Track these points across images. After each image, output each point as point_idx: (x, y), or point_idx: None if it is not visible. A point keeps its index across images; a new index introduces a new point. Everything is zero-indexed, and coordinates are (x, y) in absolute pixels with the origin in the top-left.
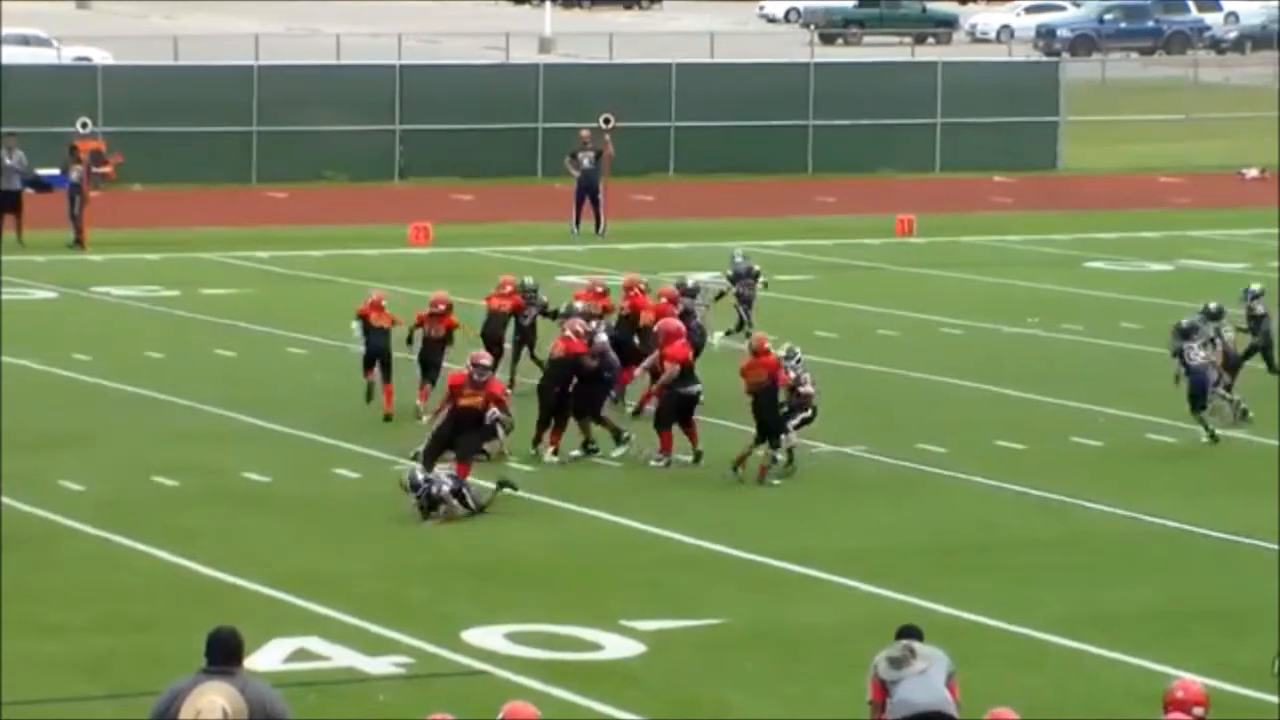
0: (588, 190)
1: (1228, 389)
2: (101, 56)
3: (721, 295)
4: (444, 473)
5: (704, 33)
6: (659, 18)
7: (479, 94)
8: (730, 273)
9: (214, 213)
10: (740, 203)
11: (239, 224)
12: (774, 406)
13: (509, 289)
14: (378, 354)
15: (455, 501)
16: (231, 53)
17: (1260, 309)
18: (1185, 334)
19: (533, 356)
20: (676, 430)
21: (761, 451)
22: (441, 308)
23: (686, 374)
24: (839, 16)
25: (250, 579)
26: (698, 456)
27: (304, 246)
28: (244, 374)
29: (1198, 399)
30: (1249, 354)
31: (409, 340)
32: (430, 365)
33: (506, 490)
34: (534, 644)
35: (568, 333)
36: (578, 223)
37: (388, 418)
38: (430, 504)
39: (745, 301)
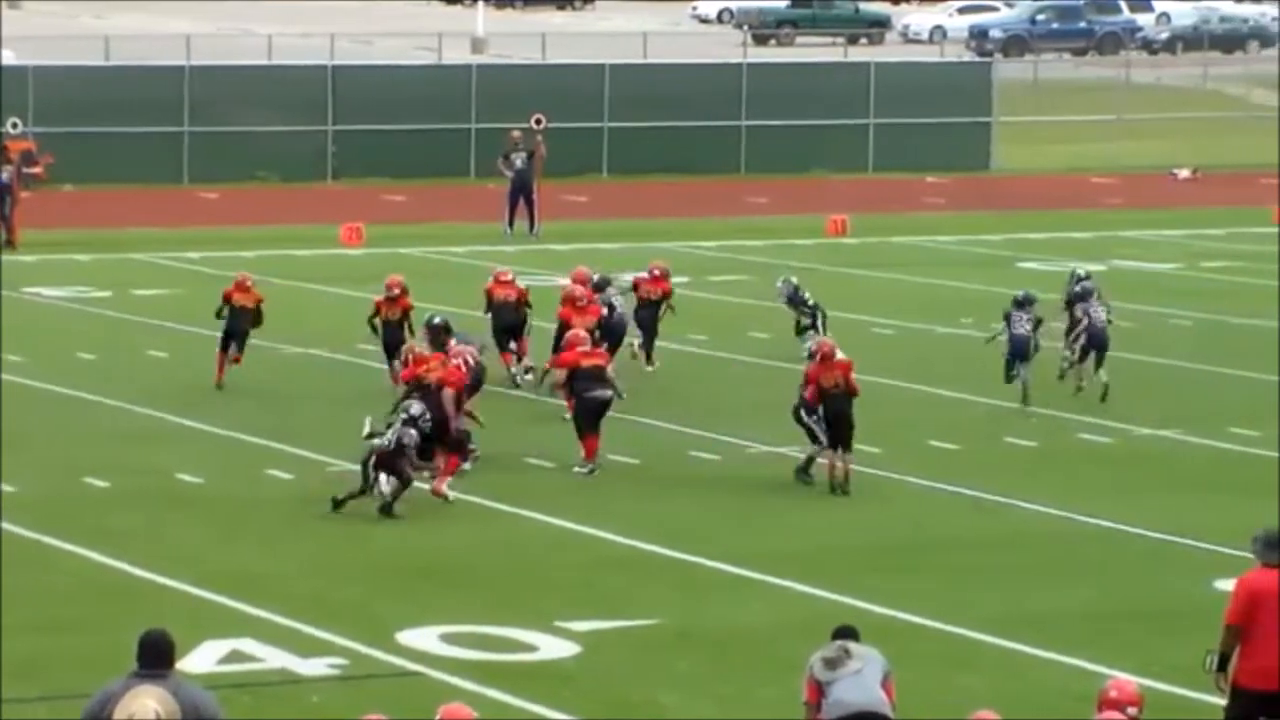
0: (521, 191)
1: (1098, 366)
2: (8, 57)
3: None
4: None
5: (637, 33)
6: (592, 18)
7: (411, 94)
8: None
9: (145, 213)
10: (673, 203)
11: (170, 225)
12: (849, 413)
13: (508, 277)
14: (235, 334)
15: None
16: (163, 53)
17: (1095, 314)
18: (1020, 304)
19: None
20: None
21: (832, 458)
22: (396, 291)
23: (592, 378)
24: (772, 17)
25: (182, 580)
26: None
27: (236, 247)
28: (176, 375)
29: (1012, 364)
30: (1067, 333)
31: (372, 329)
32: (393, 347)
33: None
34: (468, 645)
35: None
36: (511, 223)
37: (218, 386)
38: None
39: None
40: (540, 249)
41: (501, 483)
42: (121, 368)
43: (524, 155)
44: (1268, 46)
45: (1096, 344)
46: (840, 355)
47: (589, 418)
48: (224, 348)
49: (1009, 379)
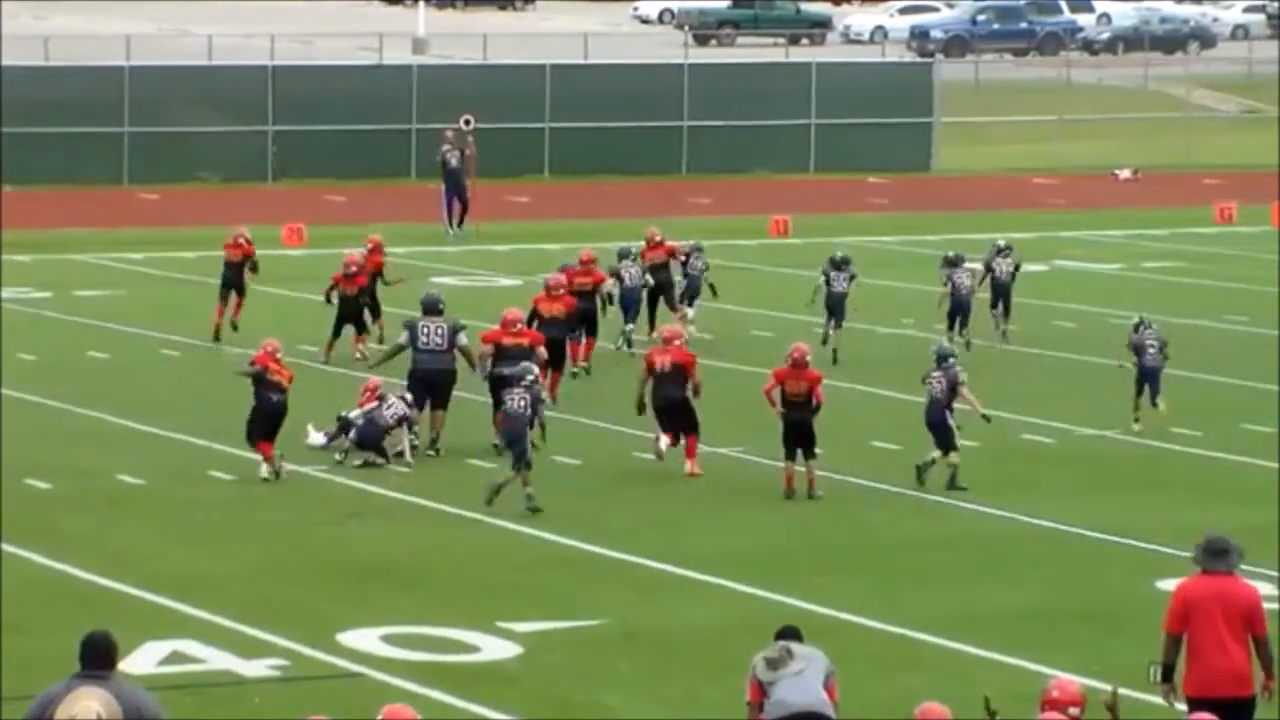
0: (455, 190)
1: (1005, 314)
2: None
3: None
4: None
5: (578, 34)
6: (533, 18)
7: (352, 95)
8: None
9: (86, 214)
10: (615, 204)
11: (111, 225)
12: (809, 421)
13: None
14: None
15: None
16: (103, 53)
17: (999, 266)
18: (952, 263)
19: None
20: None
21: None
22: (354, 270)
23: (512, 357)
24: (713, 17)
25: (124, 582)
26: (497, 448)
27: (177, 248)
28: (117, 376)
29: (955, 315)
30: (994, 302)
31: (326, 299)
32: (353, 318)
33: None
34: (410, 646)
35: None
36: (450, 222)
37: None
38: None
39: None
40: (481, 249)
41: (443, 483)
42: (63, 369)
43: (457, 154)
44: (1208, 47)
45: (960, 310)
46: (811, 365)
47: (494, 393)
48: (223, 299)
49: (954, 327)
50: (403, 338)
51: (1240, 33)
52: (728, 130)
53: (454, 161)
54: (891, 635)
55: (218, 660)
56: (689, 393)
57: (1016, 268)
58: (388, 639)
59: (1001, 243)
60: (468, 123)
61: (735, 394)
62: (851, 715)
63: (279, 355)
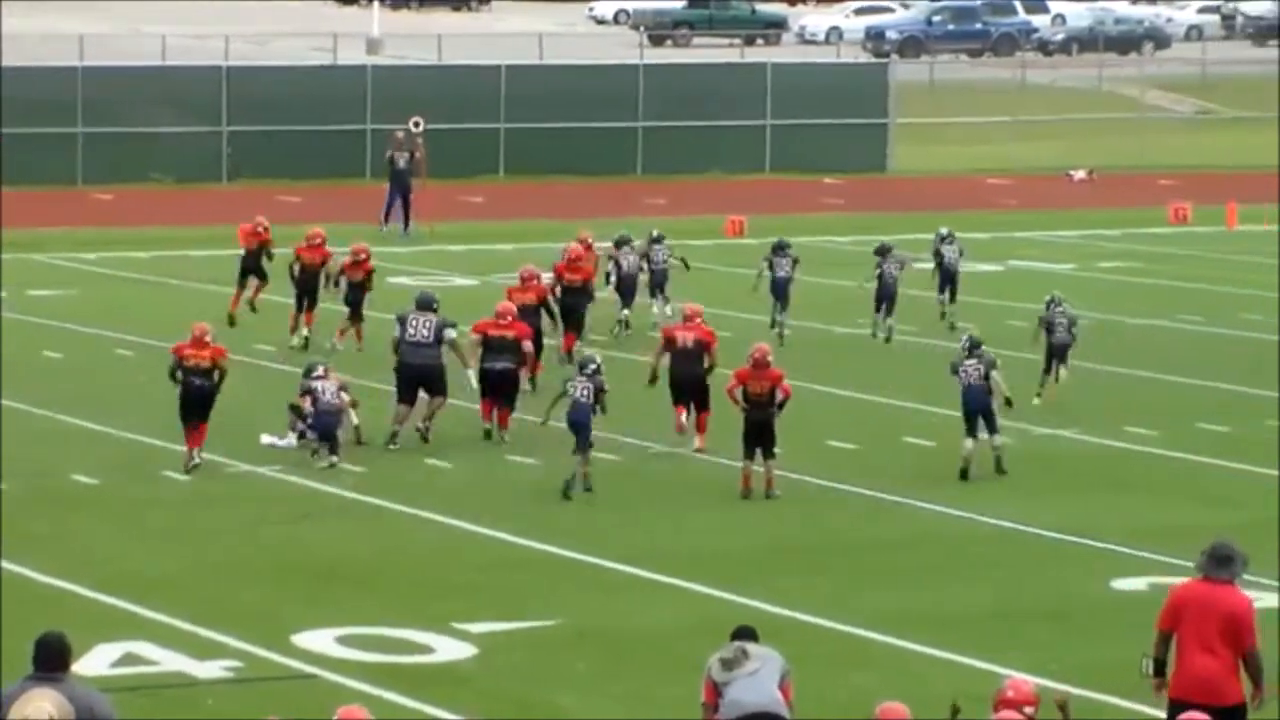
0: (400, 191)
1: (952, 298)
2: None
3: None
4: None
5: (533, 34)
6: (487, 19)
7: (307, 95)
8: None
9: (40, 214)
10: (570, 204)
11: (65, 225)
12: (771, 421)
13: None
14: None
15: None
16: (56, 53)
17: (947, 252)
18: (880, 252)
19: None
20: None
21: (748, 466)
22: (363, 255)
23: (497, 349)
24: (668, 18)
25: (78, 583)
26: (486, 434)
27: (131, 248)
28: (71, 376)
29: (882, 302)
30: (941, 286)
31: (334, 284)
32: (353, 305)
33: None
34: (364, 647)
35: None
36: (387, 219)
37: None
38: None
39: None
40: (435, 250)
41: (398, 483)
42: (16, 369)
43: (406, 156)
44: (1163, 48)
45: (888, 297)
46: (773, 364)
47: (483, 384)
48: (241, 285)
49: (882, 312)
50: (396, 330)
51: (1194, 33)
52: (683, 131)
53: (401, 163)
54: (847, 635)
55: (171, 662)
56: (706, 369)
57: (960, 253)
58: (342, 640)
59: (944, 231)
60: (417, 125)
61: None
62: (807, 715)
63: (207, 337)
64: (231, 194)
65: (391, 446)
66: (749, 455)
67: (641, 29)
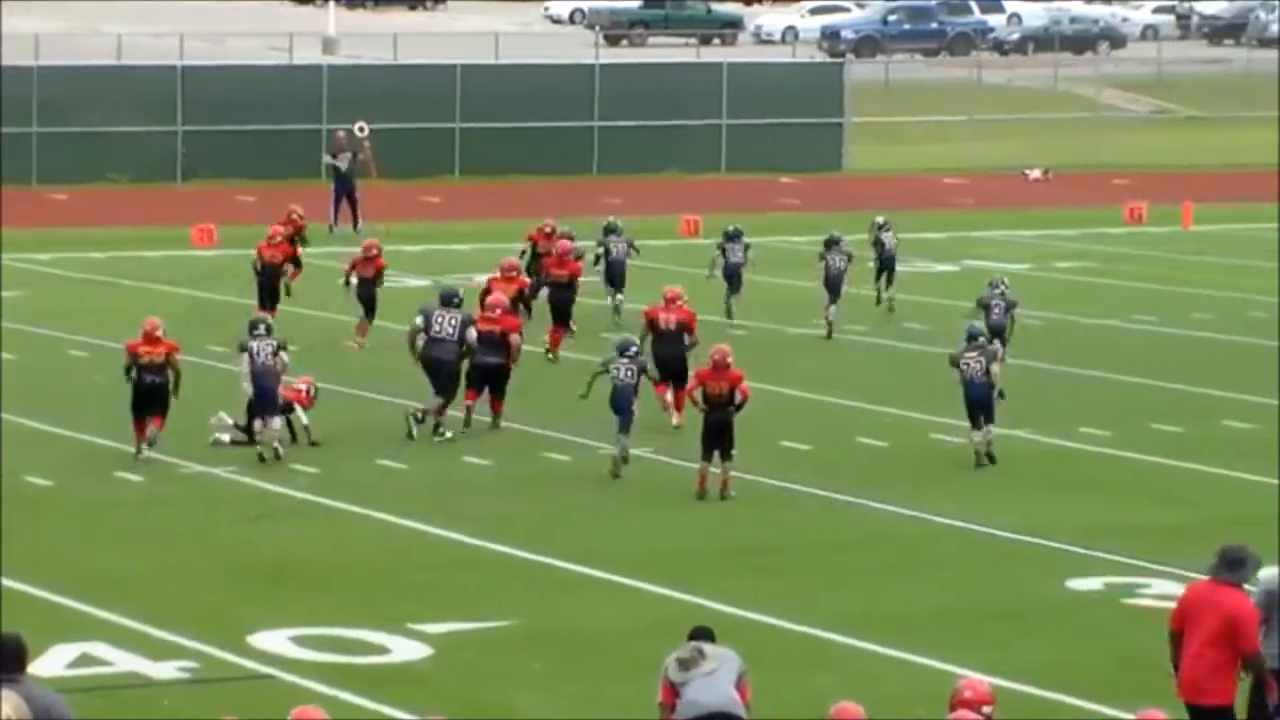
0: (345, 191)
1: (889, 283)
2: None
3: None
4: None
5: (489, 33)
6: (443, 18)
7: (262, 95)
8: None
9: None
10: (526, 204)
11: (19, 225)
12: (730, 422)
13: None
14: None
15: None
16: (11, 52)
17: (886, 239)
18: (829, 245)
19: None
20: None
21: (704, 467)
22: (374, 252)
23: (483, 343)
24: (624, 17)
25: (33, 584)
26: (495, 422)
27: (86, 248)
28: (25, 377)
29: (833, 293)
30: (879, 273)
31: (346, 283)
32: (366, 300)
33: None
34: (320, 647)
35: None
36: (336, 220)
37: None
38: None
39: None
40: (391, 250)
41: (353, 484)
42: None
43: (349, 156)
44: (1118, 47)
45: (832, 287)
46: (732, 365)
47: (472, 377)
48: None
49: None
50: (418, 320)
51: (1150, 33)
52: (639, 130)
53: (343, 165)
54: (803, 635)
55: (127, 663)
56: (687, 348)
57: (898, 241)
58: (298, 640)
59: (880, 219)
60: (362, 129)
61: (646, 394)
62: (763, 715)
63: (158, 332)
64: (187, 194)
65: (436, 438)
66: (706, 456)
67: (597, 28)
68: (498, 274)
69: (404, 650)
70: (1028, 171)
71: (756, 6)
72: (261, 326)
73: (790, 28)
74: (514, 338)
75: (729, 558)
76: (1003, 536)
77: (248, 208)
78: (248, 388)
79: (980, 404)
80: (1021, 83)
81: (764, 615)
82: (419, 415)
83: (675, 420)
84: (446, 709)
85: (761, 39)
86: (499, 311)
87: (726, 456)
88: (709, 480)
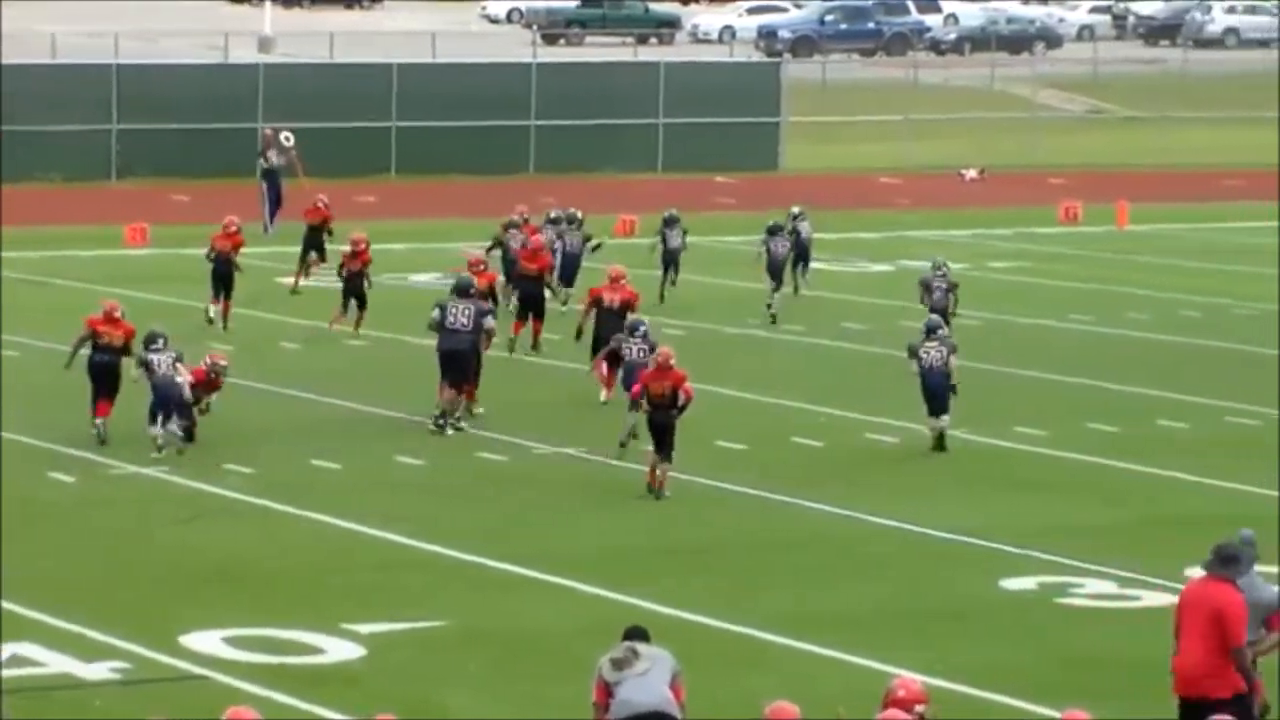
0: (272, 189)
1: (804, 270)
2: None
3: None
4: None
5: (425, 32)
6: (380, 17)
7: (198, 94)
8: None
9: None
10: (463, 203)
11: None
12: (672, 424)
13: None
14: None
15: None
16: None
17: (802, 228)
18: (771, 231)
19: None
20: None
21: (653, 463)
22: (361, 246)
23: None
24: (561, 17)
25: None
26: (469, 413)
27: (18, 247)
28: None
29: (774, 277)
30: (795, 262)
31: (339, 275)
32: (355, 293)
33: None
34: (253, 648)
35: None
36: (270, 220)
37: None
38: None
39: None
40: (329, 249)
41: (285, 483)
42: None
43: (277, 153)
44: (1054, 47)
45: (772, 270)
46: (675, 366)
47: (442, 366)
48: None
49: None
50: (434, 314)
51: (1086, 33)
52: (576, 129)
53: (274, 159)
54: (738, 635)
55: (58, 664)
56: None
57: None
58: (230, 641)
59: (796, 210)
60: (288, 139)
61: (571, 394)
62: (699, 716)
63: (117, 314)
64: (121, 193)
65: (432, 429)
66: (656, 452)
67: (534, 28)
68: (464, 269)
69: (338, 651)
70: (964, 171)
71: (693, 6)
72: (160, 340)
73: (727, 27)
74: (488, 320)
75: (665, 558)
76: (938, 536)
77: (182, 207)
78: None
79: (936, 393)
80: (958, 83)
81: (700, 615)
82: (439, 421)
83: (604, 396)
84: (380, 709)
85: (698, 38)
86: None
87: (666, 458)
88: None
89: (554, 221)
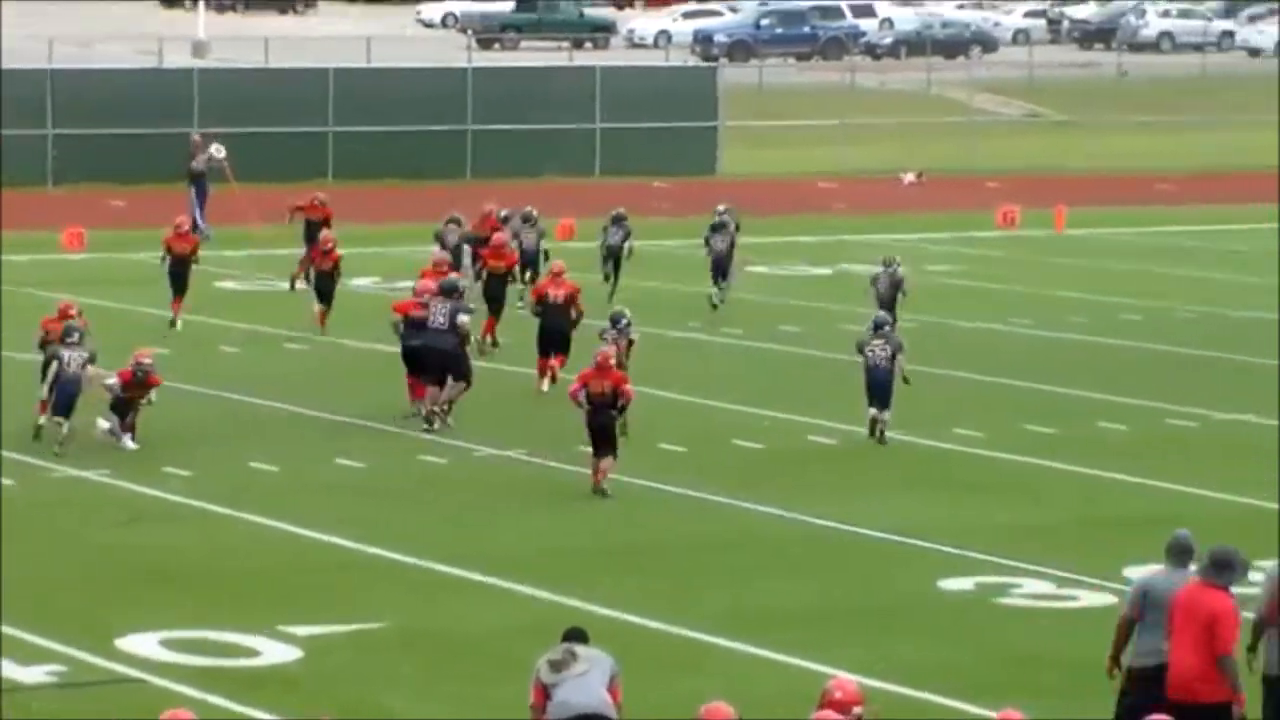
0: (200, 193)
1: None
2: None
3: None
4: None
5: (361, 37)
6: (315, 22)
7: (133, 98)
8: None
9: None
10: (399, 208)
11: None
12: (610, 425)
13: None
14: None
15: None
16: None
17: (722, 220)
18: (715, 229)
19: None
20: None
21: (594, 463)
22: (329, 245)
23: (415, 326)
24: (496, 21)
25: None
26: (427, 418)
27: None
28: None
29: (717, 274)
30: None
31: (304, 277)
32: (323, 292)
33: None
34: (189, 650)
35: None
36: (204, 222)
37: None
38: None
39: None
40: (263, 254)
41: (223, 486)
42: None
43: (205, 159)
44: (990, 51)
45: (718, 267)
46: (614, 367)
47: (410, 364)
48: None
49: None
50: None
51: (1021, 37)
52: (512, 134)
53: (201, 165)
54: (676, 636)
55: None
56: (572, 322)
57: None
58: (167, 644)
59: (722, 207)
60: (219, 150)
61: (513, 394)
62: (637, 717)
63: (73, 310)
64: (57, 198)
65: (425, 428)
66: (596, 452)
67: (469, 32)
68: (429, 268)
69: (274, 653)
70: (901, 175)
71: (629, 10)
72: (75, 335)
73: (663, 32)
74: (462, 318)
75: (603, 559)
76: (876, 537)
77: (119, 211)
78: (43, 391)
79: (880, 388)
80: (894, 87)
81: (638, 617)
82: (428, 419)
83: (543, 386)
84: (317, 711)
85: (634, 43)
86: (427, 296)
87: (606, 454)
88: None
89: (505, 220)
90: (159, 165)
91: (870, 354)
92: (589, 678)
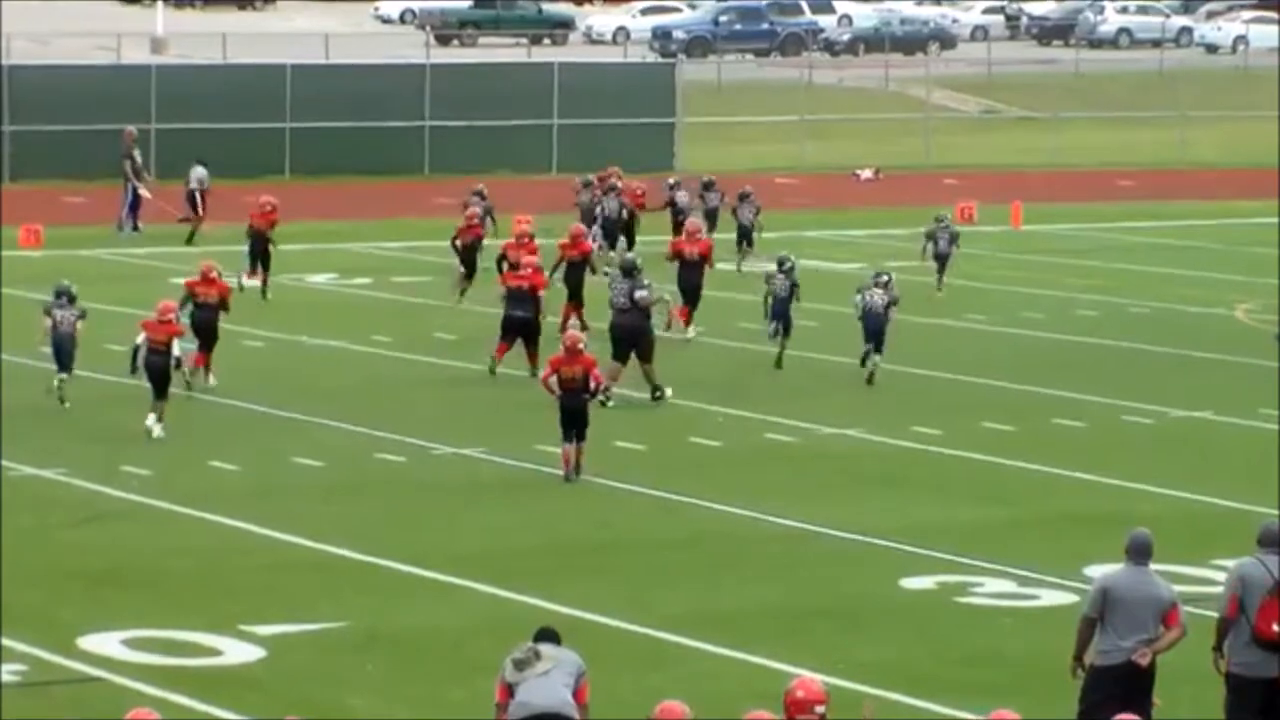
0: (135, 188)
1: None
2: None
3: None
4: None
5: (319, 33)
6: (273, 18)
7: (90, 94)
8: None
9: None
10: (357, 204)
11: None
12: (583, 409)
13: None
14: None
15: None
16: None
17: (679, 198)
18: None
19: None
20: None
21: (566, 449)
22: (269, 208)
23: (514, 299)
24: (454, 17)
25: None
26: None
27: None
28: None
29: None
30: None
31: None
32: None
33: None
34: (152, 650)
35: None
36: (132, 221)
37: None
38: None
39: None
40: (220, 250)
41: (184, 486)
42: None
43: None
44: (948, 48)
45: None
46: (584, 351)
47: (508, 334)
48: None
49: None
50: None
51: (979, 34)
52: (470, 131)
53: (138, 159)
54: (635, 635)
55: None
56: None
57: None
58: (129, 643)
59: (673, 180)
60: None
61: (472, 395)
62: (598, 715)
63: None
64: (13, 194)
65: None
66: (567, 438)
67: (428, 29)
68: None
69: (236, 652)
70: (859, 171)
71: (587, 7)
72: (64, 296)
73: (621, 28)
74: (640, 294)
75: (563, 558)
76: (837, 536)
77: (76, 208)
78: (46, 349)
79: (874, 333)
80: (852, 83)
81: (598, 615)
82: (654, 394)
83: (490, 361)
84: (279, 711)
85: (593, 39)
86: (530, 270)
87: (581, 438)
88: (571, 460)
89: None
90: (116, 162)
91: (870, 297)
92: (552, 677)
